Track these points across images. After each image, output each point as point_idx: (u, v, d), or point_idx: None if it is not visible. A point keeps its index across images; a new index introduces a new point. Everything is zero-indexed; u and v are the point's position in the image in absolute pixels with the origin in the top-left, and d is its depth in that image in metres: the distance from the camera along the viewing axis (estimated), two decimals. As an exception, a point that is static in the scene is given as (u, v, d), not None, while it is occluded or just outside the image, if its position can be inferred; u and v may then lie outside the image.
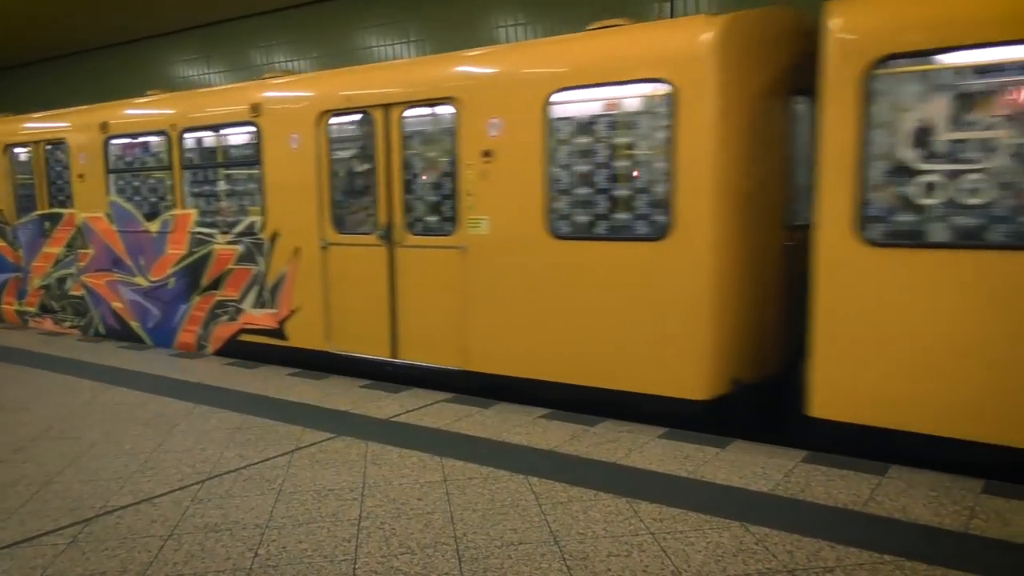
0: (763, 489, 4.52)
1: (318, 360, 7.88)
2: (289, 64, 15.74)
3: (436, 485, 4.67)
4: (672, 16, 11.01)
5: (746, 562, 3.63)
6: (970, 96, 4.69)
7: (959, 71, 4.70)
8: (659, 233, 5.76)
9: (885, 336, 4.97)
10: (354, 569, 3.65)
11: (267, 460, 5.20)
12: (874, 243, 4.97)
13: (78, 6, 15.41)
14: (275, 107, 8.00)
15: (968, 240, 4.69)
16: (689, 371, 5.73)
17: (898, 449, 4.96)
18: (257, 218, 8.22)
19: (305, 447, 5.45)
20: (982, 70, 4.64)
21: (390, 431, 5.78)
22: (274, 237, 8.07)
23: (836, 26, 5.00)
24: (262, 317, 8.32)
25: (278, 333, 8.22)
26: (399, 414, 6.21)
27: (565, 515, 4.19)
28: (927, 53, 4.75)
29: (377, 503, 4.42)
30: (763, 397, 5.89)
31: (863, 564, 3.58)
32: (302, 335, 8.02)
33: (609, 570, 3.58)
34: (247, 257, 8.33)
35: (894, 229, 4.94)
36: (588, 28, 6.43)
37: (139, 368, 8.14)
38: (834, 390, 5.18)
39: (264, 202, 8.10)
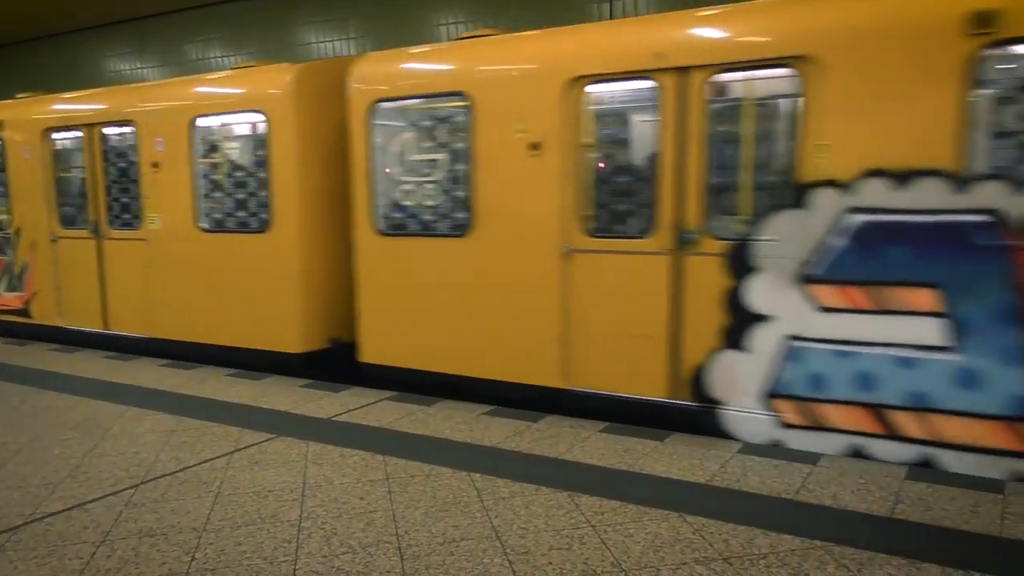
0: (700, 480, 4.62)
1: (55, 334, 9.54)
2: (225, 59, 15.44)
3: (378, 484, 4.65)
4: (611, 18, 11.17)
5: (683, 551, 3.71)
6: (423, 130, 6.71)
7: (418, 111, 6.70)
8: (264, 227, 7.51)
9: (394, 300, 6.83)
10: (294, 570, 3.61)
11: (204, 462, 5.11)
12: (382, 233, 6.83)
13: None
14: (13, 123, 9.69)
15: (429, 231, 6.68)
16: (290, 331, 7.47)
17: (418, 385, 6.75)
18: (5, 216, 9.91)
19: (244, 448, 5.37)
20: (427, 112, 6.68)
21: (331, 430, 5.73)
22: (18, 232, 9.78)
23: (353, 77, 6.85)
24: (13, 299, 10.01)
25: (25, 312, 9.91)
26: (340, 413, 6.16)
27: (507, 510, 4.22)
28: (400, 99, 6.71)
29: (318, 503, 4.39)
30: (355, 351, 7.31)
31: (795, 550, 3.70)
32: (42, 313, 9.73)
33: (550, 563, 3.62)
34: (0, 249, 10.04)
35: (391, 223, 6.86)
36: (230, 69, 8.28)
37: (69, 371, 7.90)
38: (372, 340, 7.03)
39: (9, 203, 9.80)
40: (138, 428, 5.88)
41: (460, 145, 6.42)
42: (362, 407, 6.33)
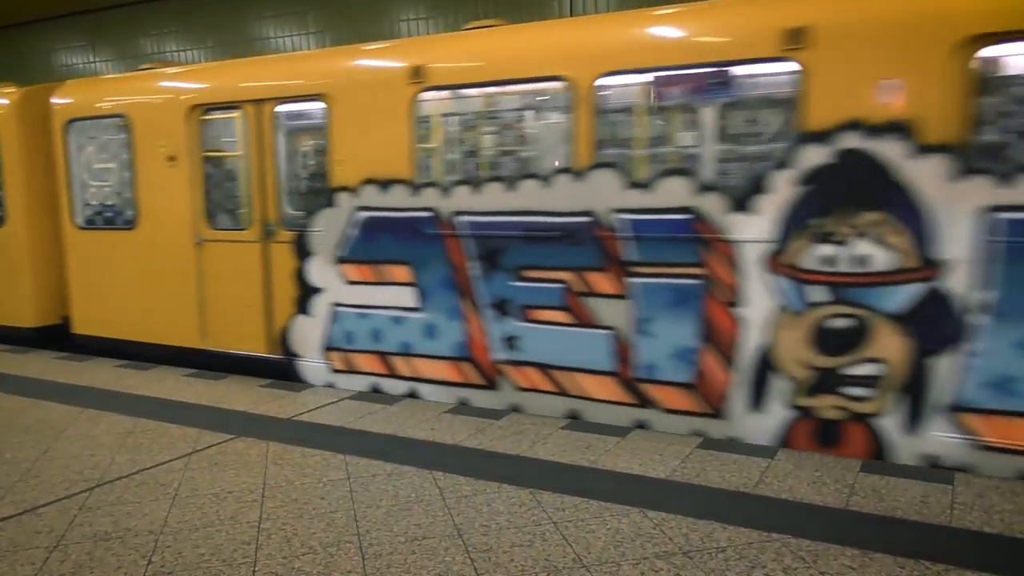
0: (661, 475, 4.68)
1: None
2: (181, 54, 15.18)
3: (339, 483, 4.63)
4: (571, 15, 11.22)
5: (644, 546, 3.75)
6: (103, 142, 8.32)
7: (97, 128, 8.34)
8: (0, 222, 9.08)
9: (92, 282, 8.46)
10: (254, 572, 3.58)
11: (161, 464, 5.03)
12: (80, 227, 8.50)
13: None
14: None
15: (111, 225, 8.32)
16: (26, 309, 9.08)
17: (116, 351, 8.36)
18: None
19: (202, 449, 5.30)
20: (103, 129, 8.31)
21: (292, 430, 5.68)
22: None
23: (55, 99, 8.52)
24: None
25: None
26: (301, 413, 6.11)
27: (469, 508, 4.23)
28: (85, 119, 8.34)
29: (278, 504, 4.35)
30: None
31: (752, 543, 3.76)
32: None
33: (512, 560, 3.64)
34: None
35: (86, 219, 8.51)
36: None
37: (20, 372, 7.72)
38: (80, 315, 8.66)
39: None
40: (93, 430, 5.77)
41: (126, 156, 8.05)
42: (323, 406, 6.29)
